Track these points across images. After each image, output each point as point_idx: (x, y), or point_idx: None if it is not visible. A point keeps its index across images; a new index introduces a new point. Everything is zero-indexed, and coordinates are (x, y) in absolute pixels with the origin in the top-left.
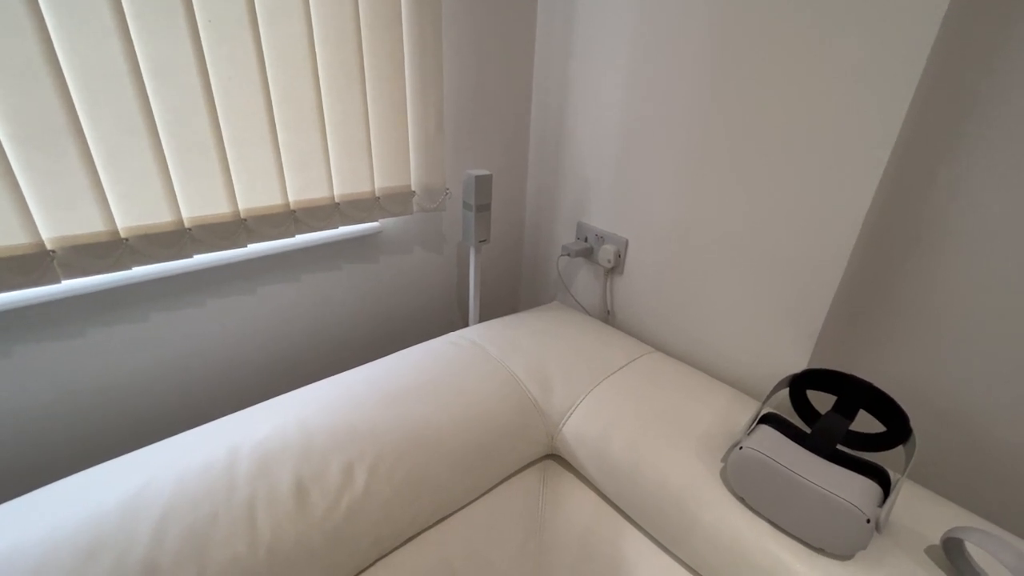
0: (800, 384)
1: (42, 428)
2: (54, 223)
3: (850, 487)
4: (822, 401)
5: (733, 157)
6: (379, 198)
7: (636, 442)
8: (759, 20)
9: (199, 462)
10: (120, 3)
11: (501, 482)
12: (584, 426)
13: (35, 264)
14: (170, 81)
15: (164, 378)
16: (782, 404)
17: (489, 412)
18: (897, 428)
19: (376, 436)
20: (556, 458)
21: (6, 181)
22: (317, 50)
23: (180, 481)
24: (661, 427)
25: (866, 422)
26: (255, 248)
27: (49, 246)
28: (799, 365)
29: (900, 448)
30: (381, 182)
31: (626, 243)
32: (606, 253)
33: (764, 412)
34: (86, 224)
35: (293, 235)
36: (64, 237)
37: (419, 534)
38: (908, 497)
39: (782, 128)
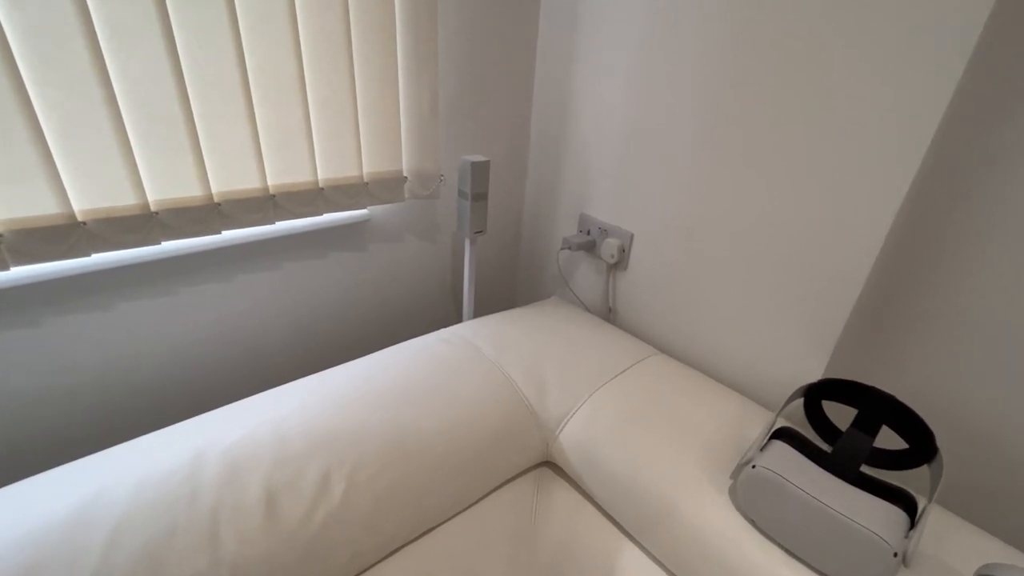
0: (816, 395)
1: None
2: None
3: (875, 515)
4: (837, 413)
5: (751, 151)
6: (367, 183)
7: (637, 452)
8: (786, 2)
9: (161, 468)
10: None
11: (492, 491)
12: (582, 433)
13: None
14: (130, 45)
15: (127, 374)
16: (794, 415)
17: (481, 416)
18: (921, 446)
19: (357, 441)
20: (551, 466)
21: None
22: (299, 16)
23: (138, 489)
24: (664, 436)
25: (883, 436)
26: (231, 235)
27: None
28: (815, 374)
29: (923, 469)
30: (370, 166)
31: (631, 237)
32: (609, 247)
33: (778, 426)
34: (37, 206)
35: (272, 221)
36: (11, 220)
37: (402, 547)
38: (935, 524)
39: (806, 125)
